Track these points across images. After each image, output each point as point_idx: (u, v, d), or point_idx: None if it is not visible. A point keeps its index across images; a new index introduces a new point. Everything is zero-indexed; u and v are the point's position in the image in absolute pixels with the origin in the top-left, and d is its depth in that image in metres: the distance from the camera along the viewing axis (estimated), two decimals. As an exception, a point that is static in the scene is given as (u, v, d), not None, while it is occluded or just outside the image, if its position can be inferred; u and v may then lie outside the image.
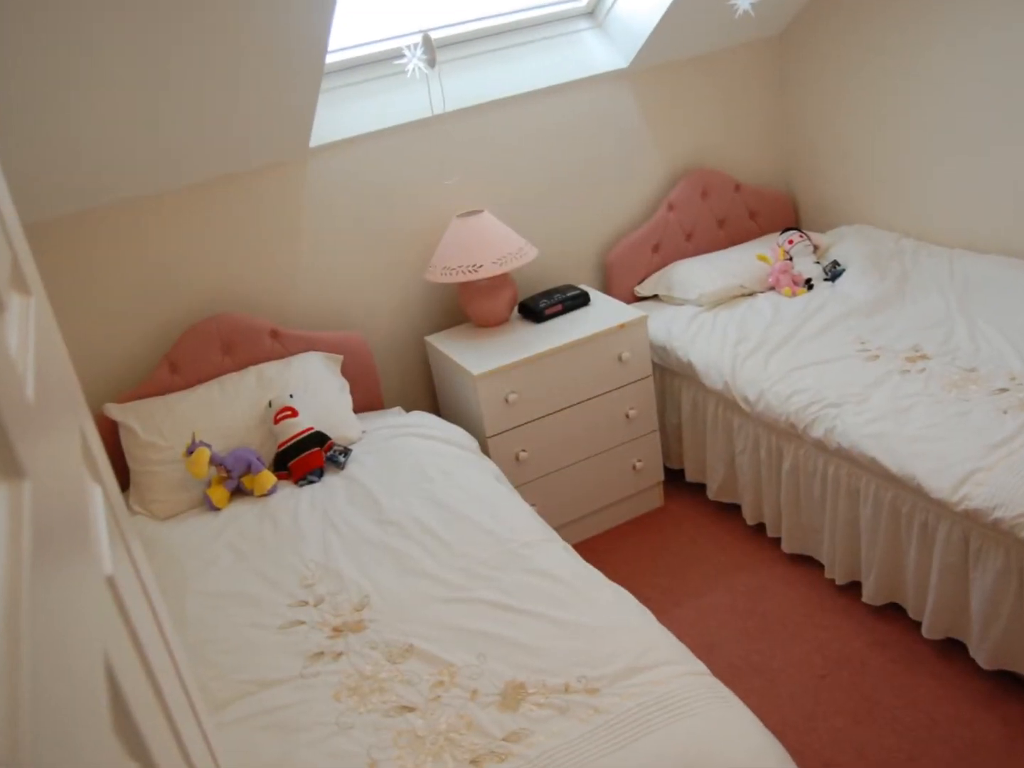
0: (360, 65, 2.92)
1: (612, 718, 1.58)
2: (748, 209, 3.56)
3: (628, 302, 3.28)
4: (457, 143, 3.04)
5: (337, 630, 1.93)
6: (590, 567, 2.03)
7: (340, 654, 1.85)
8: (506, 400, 2.75)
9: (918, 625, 2.34)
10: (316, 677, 1.80)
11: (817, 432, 2.47)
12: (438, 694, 1.70)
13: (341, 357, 2.84)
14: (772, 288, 3.22)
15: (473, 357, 2.81)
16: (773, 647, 2.47)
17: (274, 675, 1.81)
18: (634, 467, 3.04)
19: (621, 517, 3.12)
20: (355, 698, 1.73)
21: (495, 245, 2.85)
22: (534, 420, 2.82)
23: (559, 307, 3.00)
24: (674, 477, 3.25)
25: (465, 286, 2.95)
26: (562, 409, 2.86)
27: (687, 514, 3.13)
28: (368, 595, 2.01)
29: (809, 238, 3.31)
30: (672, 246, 3.43)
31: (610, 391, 2.92)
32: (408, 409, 2.98)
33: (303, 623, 1.97)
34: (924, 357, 2.62)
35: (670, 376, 3.14)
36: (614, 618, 1.83)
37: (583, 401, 2.88)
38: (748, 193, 3.55)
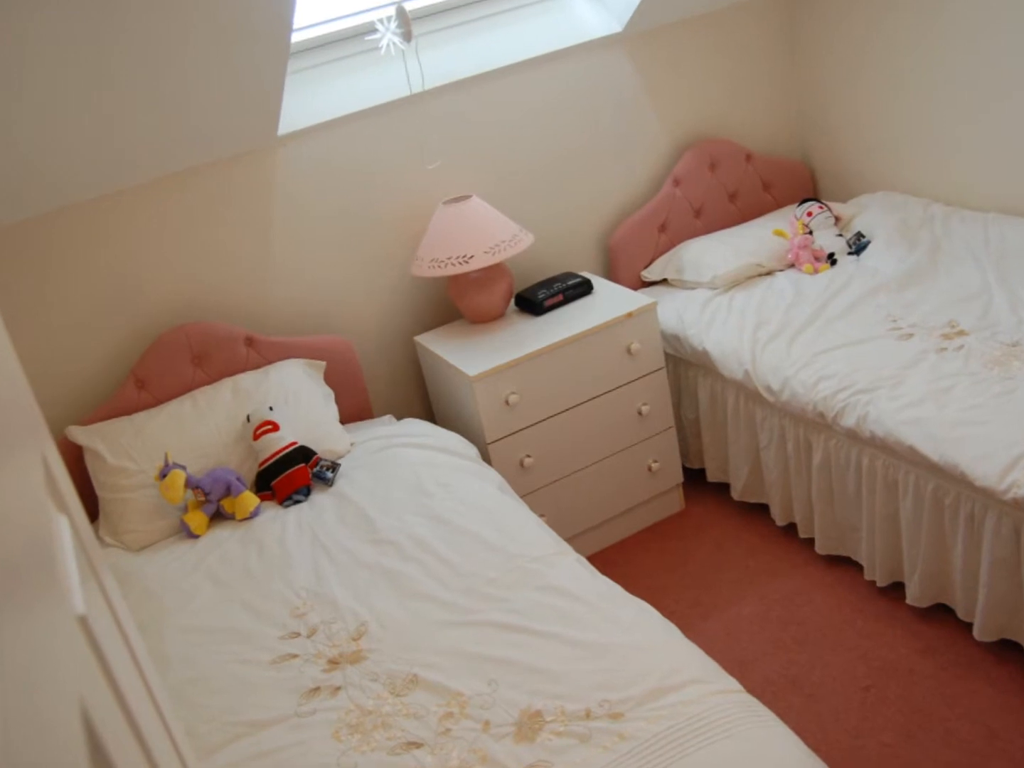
0: (329, 43, 2.92)
1: (639, 744, 1.58)
2: (761, 180, 3.56)
3: (635, 288, 3.29)
4: (439, 123, 3.04)
5: (334, 662, 1.93)
6: (608, 581, 2.04)
7: (338, 688, 1.85)
8: (506, 402, 2.75)
9: (969, 627, 2.34)
10: (313, 715, 1.80)
11: (848, 421, 2.47)
12: (448, 727, 1.70)
13: (324, 363, 2.84)
14: (792, 265, 3.23)
15: (468, 357, 2.81)
16: (812, 659, 2.47)
17: (267, 715, 1.81)
18: (650, 468, 3.05)
19: (639, 524, 3.12)
20: (357, 736, 1.73)
21: (486, 233, 2.85)
22: (538, 422, 2.82)
23: (560, 297, 3.00)
24: (694, 478, 3.25)
25: (456, 279, 2.95)
26: (568, 409, 2.86)
27: (710, 517, 3.13)
28: (366, 623, 2.01)
29: (830, 209, 3.32)
30: (680, 224, 3.43)
31: (620, 387, 2.92)
32: (400, 417, 2.98)
33: (296, 656, 1.97)
34: (962, 333, 2.62)
35: (685, 367, 3.14)
36: (636, 636, 1.83)
37: (591, 399, 2.89)
38: (761, 163, 3.55)
